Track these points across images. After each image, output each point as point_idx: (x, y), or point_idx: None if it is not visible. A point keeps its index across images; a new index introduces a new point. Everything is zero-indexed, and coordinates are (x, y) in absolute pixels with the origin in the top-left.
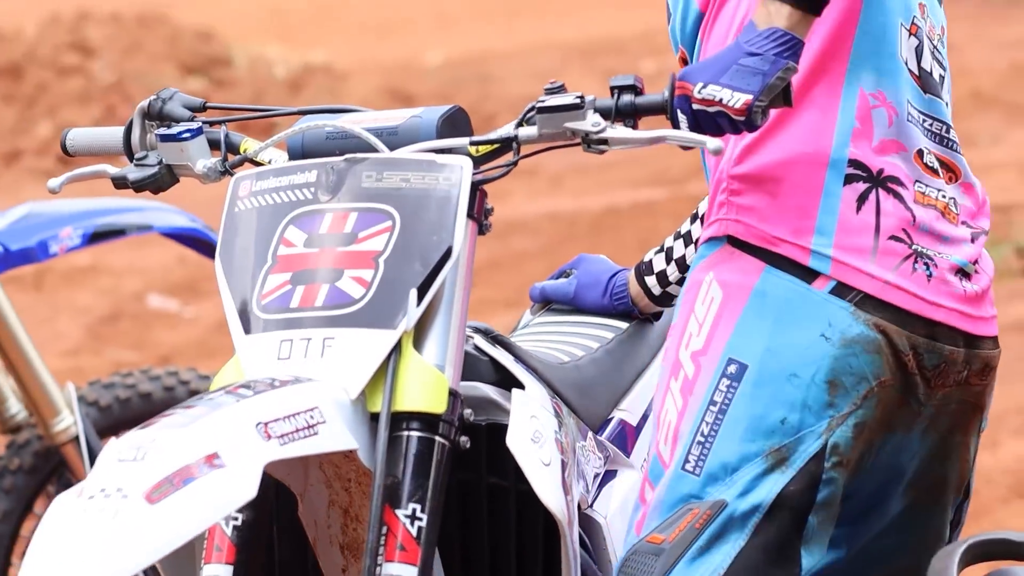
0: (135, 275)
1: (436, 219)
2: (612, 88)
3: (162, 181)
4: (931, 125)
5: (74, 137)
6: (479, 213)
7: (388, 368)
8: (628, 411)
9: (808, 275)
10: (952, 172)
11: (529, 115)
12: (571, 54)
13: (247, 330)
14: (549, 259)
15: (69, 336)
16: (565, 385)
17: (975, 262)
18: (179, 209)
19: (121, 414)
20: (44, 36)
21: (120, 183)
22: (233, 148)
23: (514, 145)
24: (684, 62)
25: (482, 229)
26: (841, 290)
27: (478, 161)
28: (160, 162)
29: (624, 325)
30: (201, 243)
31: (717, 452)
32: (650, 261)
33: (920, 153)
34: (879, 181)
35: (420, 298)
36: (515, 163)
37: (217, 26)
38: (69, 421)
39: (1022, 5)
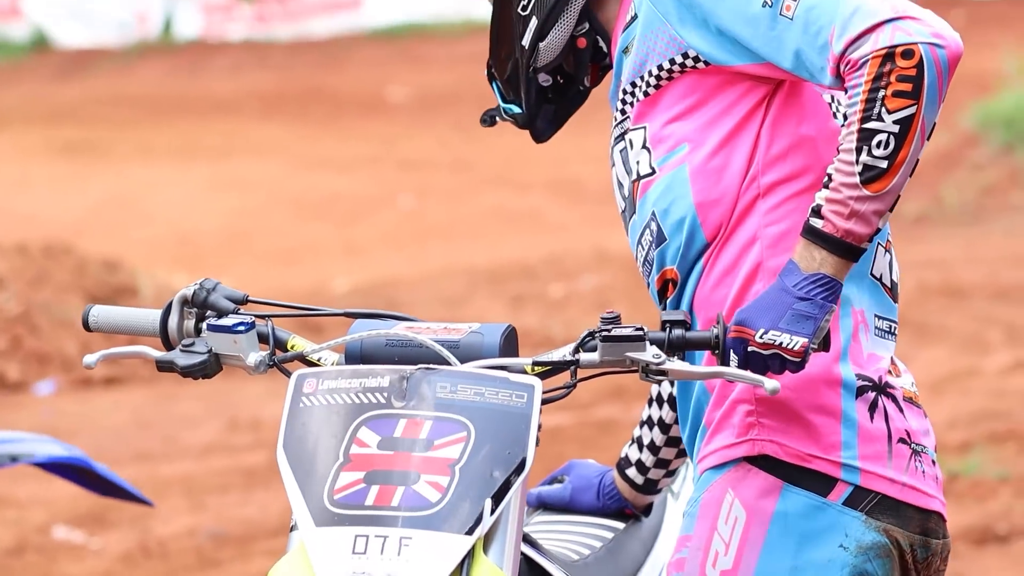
0: (40, 506)
1: (510, 433)
2: (664, 322)
3: (210, 369)
4: (889, 328)
5: (98, 314)
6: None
7: (462, 572)
8: None
9: (826, 487)
10: (897, 366)
11: (588, 341)
12: (479, 279)
13: (317, 523)
14: None
15: None
16: None
17: (936, 449)
18: (56, 439)
19: None
20: None
21: (166, 367)
22: (280, 344)
23: (573, 368)
24: (672, 282)
25: (536, 441)
26: (855, 498)
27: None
28: (209, 350)
29: (617, 524)
30: (83, 473)
31: None
32: (626, 455)
33: (891, 359)
34: (882, 389)
35: (494, 507)
36: (574, 385)
37: (124, 255)
38: None
39: (927, 225)
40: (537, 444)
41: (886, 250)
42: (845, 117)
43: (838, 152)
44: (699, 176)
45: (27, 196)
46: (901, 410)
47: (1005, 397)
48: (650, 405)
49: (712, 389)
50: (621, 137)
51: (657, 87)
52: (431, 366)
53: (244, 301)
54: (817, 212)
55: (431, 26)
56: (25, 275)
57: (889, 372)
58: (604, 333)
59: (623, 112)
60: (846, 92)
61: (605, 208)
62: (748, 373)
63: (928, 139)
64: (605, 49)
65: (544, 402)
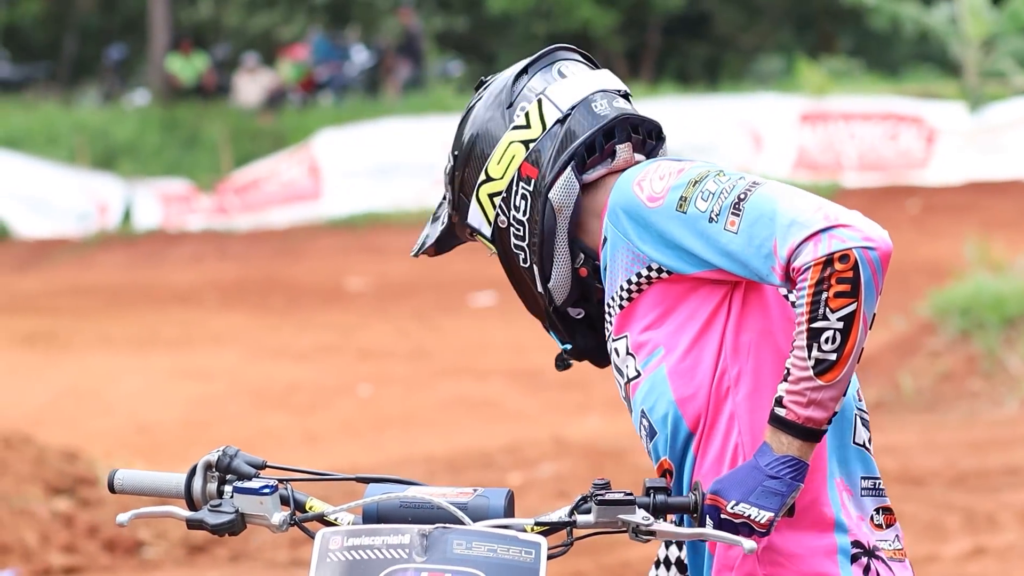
0: None
1: None
2: (648, 488)
3: (237, 527)
4: (873, 485)
5: (122, 477)
6: None
7: None
8: None
9: None
10: (891, 514)
11: (582, 504)
12: (438, 467)
13: None
14: None
15: None
16: None
17: None
18: None
19: None
20: None
21: (195, 525)
22: (299, 505)
23: (569, 528)
24: (668, 472)
25: None
26: None
27: None
28: (236, 511)
29: None
30: None
31: None
32: None
33: (872, 516)
34: (871, 553)
35: None
36: (571, 544)
37: (83, 445)
38: None
39: (885, 412)
40: None
41: (864, 421)
42: (794, 305)
43: (792, 348)
44: (675, 375)
45: None
46: (890, 569)
47: None
48: (656, 567)
49: (714, 553)
50: (614, 344)
51: (630, 299)
52: (448, 525)
53: (263, 466)
54: (780, 402)
55: (389, 216)
56: None
57: (878, 527)
58: (599, 497)
59: (609, 323)
60: (794, 293)
61: (564, 396)
62: (727, 534)
63: (870, 327)
64: None
65: (548, 557)
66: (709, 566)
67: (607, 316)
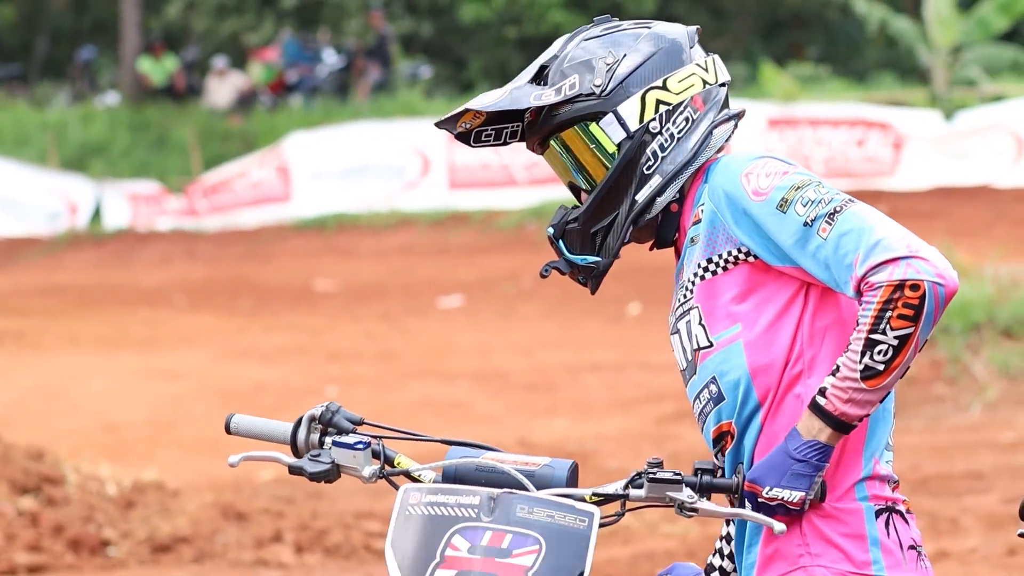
0: None
1: (574, 550)
2: (696, 469)
3: (332, 476)
4: (891, 459)
5: (238, 422)
6: None
7: None
8: None
9: None
10: (896, 484)
11: (636, 480)
12: None
13: None
14: None
15: None
16: None
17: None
18: None
19: None
20: None
21: (296, 472)
22: (389, 460)
23: (622, 501)
24: (729, 435)
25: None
26: None
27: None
28: (332, 461)
29: None
30: None
31: None
32: (710, 562)
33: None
34: (892, 509)
35: None
36: (622, 514)
37: (49, 444)
38: None
39: None
40: None
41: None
42: (859, 315)
43: (847, 348)
44: (751, 347)
45: None
46: (907, 522)
47: None
48: (727, 524)
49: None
50: (685, 312)
51: (715, 272)
52: (513, 491)
53: (360, 423)
54: (823, 392)
55: (358, 217)
56: None
57: (896, 484)
58: (651, 475)
59: (688, 291)
60: (860, 303)
61: (530, 398)
62: (760, 515)
63: (920, 351)
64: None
65: (600, 525)
66: (755, 536)
67: (686, 284)
